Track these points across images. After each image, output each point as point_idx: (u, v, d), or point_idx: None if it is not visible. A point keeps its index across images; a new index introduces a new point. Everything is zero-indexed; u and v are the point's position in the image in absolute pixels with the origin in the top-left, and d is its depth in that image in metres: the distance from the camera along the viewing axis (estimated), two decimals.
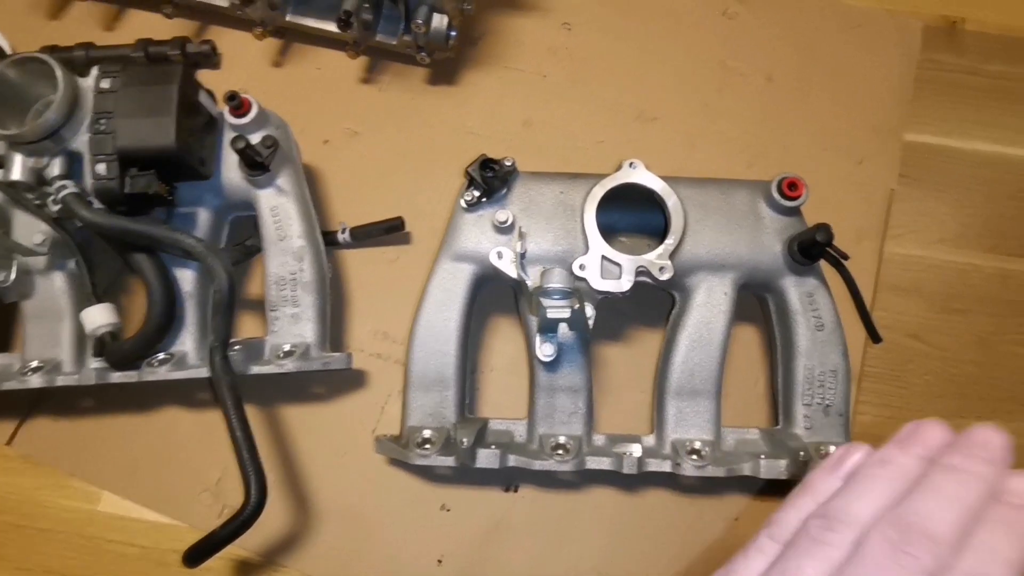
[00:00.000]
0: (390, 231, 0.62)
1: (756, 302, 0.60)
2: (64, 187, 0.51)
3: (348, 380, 0.60)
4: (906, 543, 0.24)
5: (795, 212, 0.56)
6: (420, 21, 0.61)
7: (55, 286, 0.55)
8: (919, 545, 0.24)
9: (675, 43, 0.69)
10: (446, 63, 0.67)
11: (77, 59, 0.63)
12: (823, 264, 0.56)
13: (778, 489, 0.57)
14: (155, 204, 0.52)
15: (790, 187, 0.55)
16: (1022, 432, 0.58)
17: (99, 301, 0.53)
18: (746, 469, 0.52)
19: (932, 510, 0.25)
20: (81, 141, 0.51)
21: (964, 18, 0.71)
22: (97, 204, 0.51)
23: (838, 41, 0.69)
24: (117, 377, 0.52)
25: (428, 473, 0.58)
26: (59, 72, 0.50)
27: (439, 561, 0.56)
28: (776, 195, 0.55)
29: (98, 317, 0.52)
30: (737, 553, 0.29)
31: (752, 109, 0.67)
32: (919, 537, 0.24)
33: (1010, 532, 0.25)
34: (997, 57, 0.70)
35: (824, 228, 0.52)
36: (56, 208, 0.51)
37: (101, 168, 0.50)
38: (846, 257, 0.55)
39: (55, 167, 0.51)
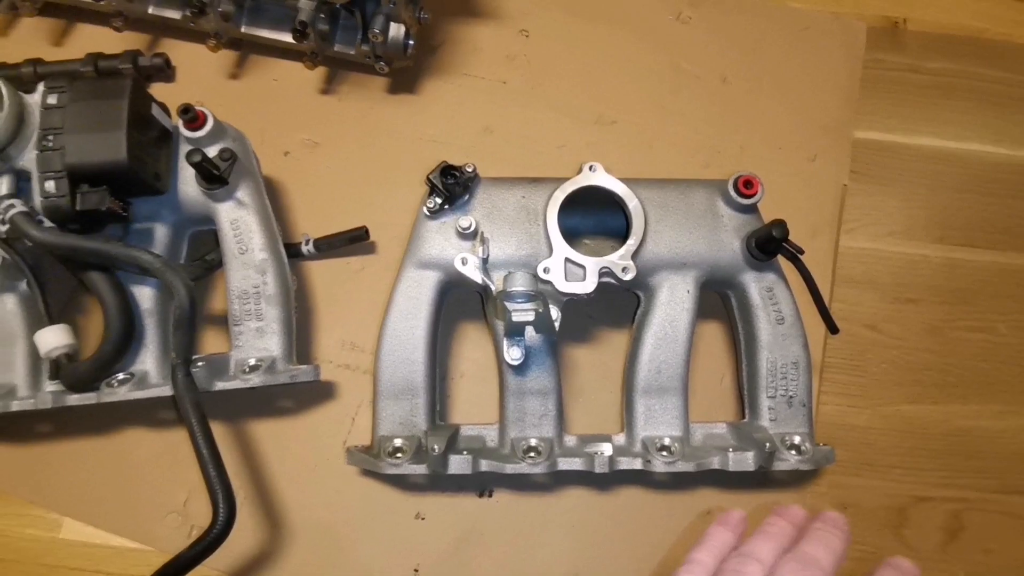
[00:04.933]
0: (354, 241, 0.61)
1: (719, 299, 0.61)
2: (12, 206, 0.49)
3: (316, 392, 0.59)
4: (806, 570, 0.40)
5: (752, 209, 0.58)
6: (377, 31, 0.61)
7: (7, 308, 0.53)
8: (814, 570, 0.40)
9: (631, 47, 0.71)
10: (405, 72, 0.67)
11: (25, 75, 0.62)
12: (781, 259, 0.57)
13: (747, 481, 0.58)
14: (109, 221, 0.51)
15: (746, 185, 0.57)
16: (976, 415, 0.63)
17: (53, 322, 0.52)
18: (715, 463, 0.53)
19: (820, 552, 0.42)
20: (28, 159, 0.50)
21: (906, 18, 0.74)
22: (47, 223, 0.50)
23: (787, 43, 0.72)
24: (75, 400, 0.51)
25: (402, 482, 0.57)
26: (4, 89, 0.49)
27: (415, 570, 0.56)
28: (733, 193, 0.57)
29: (52, 339, 0.51)
30: None
31: (707, 110, 0.69)
32: (813, 567, 0.41)
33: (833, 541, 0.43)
34: (938, 55, 0.73)
35: (780, 224, 0.54)
36: (4, 228, 0.50)
37: (50, 186, 0.48)
38: (802, 252, 0.56)
39: (2, 186, 0.50)
